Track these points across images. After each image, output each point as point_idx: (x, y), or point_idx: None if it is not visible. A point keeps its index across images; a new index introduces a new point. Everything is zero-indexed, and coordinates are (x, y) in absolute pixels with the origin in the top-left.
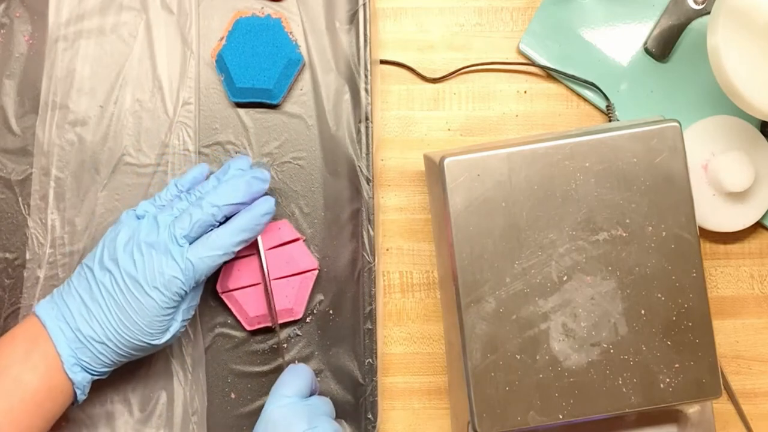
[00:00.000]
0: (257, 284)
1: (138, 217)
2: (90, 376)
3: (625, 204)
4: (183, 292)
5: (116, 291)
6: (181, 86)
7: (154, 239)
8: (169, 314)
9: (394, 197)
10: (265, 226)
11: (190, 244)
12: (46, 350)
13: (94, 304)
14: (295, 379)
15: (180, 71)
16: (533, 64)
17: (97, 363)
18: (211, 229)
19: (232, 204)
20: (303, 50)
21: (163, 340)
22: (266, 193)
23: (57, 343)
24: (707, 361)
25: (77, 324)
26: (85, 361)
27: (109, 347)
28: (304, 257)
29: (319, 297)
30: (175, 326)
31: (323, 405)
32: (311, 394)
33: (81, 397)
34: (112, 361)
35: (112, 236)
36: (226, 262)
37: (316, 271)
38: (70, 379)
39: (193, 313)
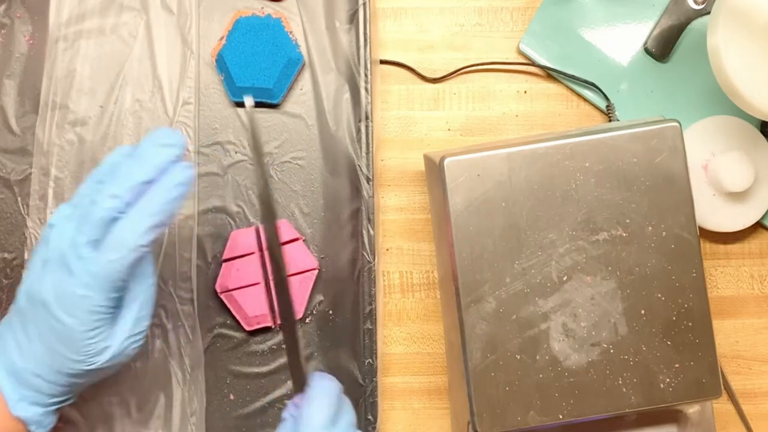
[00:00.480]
0: (256, 284)
1: (50, 226)
2: (43, 409)
3: (625, 204)
4: (102, 308)
5: (35, 318)
6: (181, 86)
7: (60, 253)
8: (95, 336)
9: (394, 197)
10: (182, 201)
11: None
12: None
13: (22, 335)
14: (326, 399)
15: (180, 71)
16: (533, 64)
17: (43, 395)
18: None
19: (135, 186)
20: (303, 50)
21: (100, 362)
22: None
23: None
24: (707, 361)
25: (12, 357)
26: (29, 396)
27: (45, 380)
28: (304, 257)
29: (319, 297)
30: (117, 344)
31: (349, 415)
32: None
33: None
34: (57, 392)
35: (33, 255)
36: (226, 265)
37: (316, 271)
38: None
39: (146, 324)
